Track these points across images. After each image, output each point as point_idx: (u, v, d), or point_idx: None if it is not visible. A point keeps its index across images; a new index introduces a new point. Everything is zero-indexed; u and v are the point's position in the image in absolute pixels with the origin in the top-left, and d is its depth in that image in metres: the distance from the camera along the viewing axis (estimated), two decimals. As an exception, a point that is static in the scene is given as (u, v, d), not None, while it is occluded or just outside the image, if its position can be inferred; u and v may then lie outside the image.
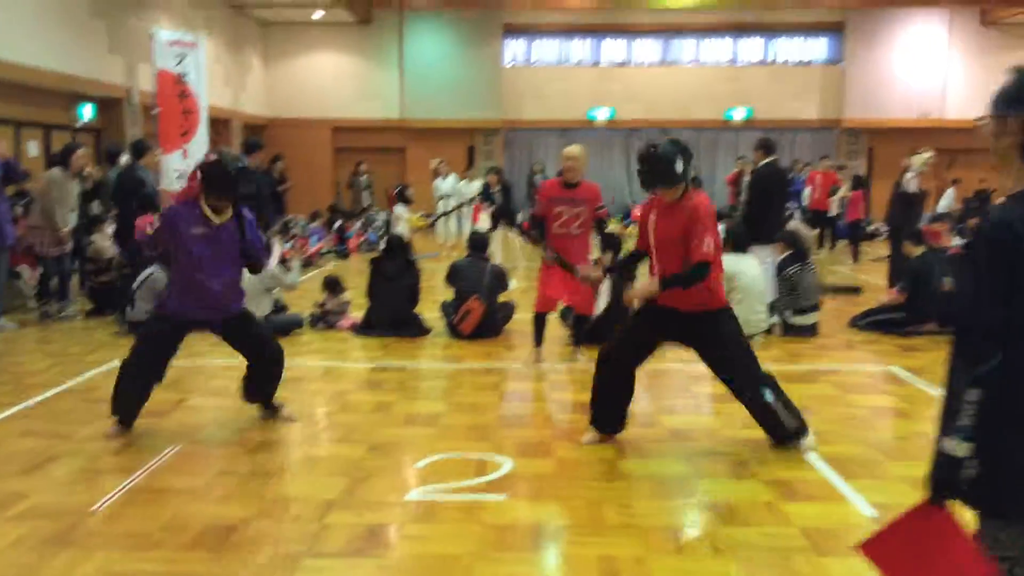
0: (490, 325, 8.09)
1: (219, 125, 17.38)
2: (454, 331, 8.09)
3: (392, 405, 5.86)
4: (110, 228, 9.78)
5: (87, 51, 13.61)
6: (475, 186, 15.60)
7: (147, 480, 4.41)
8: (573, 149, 6.92)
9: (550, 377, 6.67)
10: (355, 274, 11.49)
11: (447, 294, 8.52)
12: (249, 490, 4.33)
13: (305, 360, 7.33)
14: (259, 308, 8.12)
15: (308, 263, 13.47)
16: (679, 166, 4.65)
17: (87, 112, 14.29)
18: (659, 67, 22.46)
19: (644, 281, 4.84)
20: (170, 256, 5.12)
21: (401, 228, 13.11)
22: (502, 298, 8.44)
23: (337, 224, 16.59)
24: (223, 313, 5.18)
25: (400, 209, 13.90)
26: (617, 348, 4.93)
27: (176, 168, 12.37)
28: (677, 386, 6.44)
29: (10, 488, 4.26)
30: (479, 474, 4.47)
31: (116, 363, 6.97)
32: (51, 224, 8.91)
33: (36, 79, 12.32)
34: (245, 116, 20.10)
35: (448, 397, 6.12)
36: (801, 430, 4.86)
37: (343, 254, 15.53)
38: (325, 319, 8.61)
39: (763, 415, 4.80)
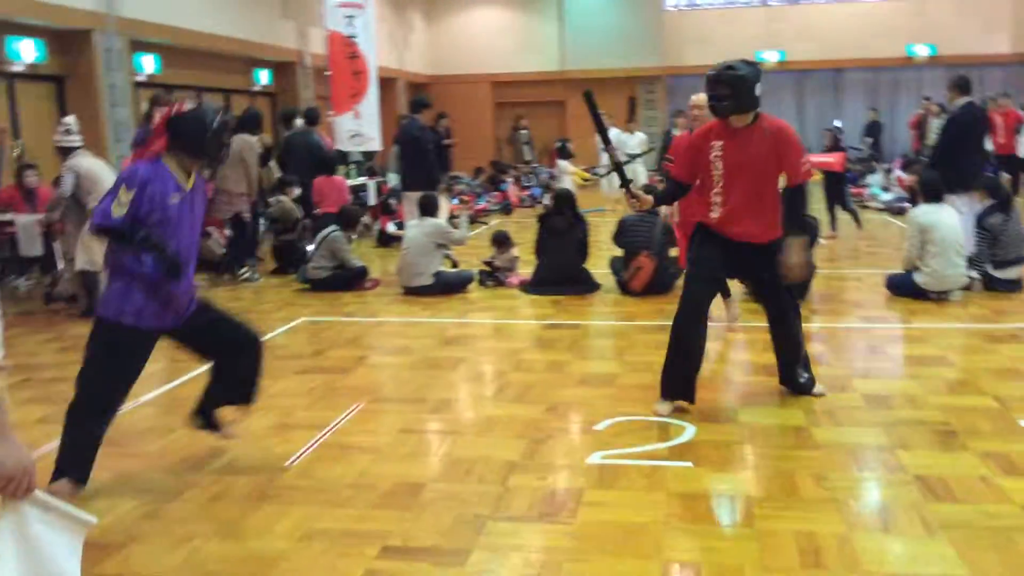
0: (661, 281, 7.88)
1: (385, 85, 17.69)
2: (624, 288, 7.94)
3: (566, 364, 5.79)
4: (296, 190, 10.15)
5: (262, 17, 14.10)
6: (638, 138, 15.23)
7: (334, 437, 4.52)
8: (700, 97, 6.58)
9: (728, 336, 6.43)
10: (519, 230, 11.47)
11: (614, 250, 8.36)
12: (432, 449, 4.37)
13: (476, 317, 7.38)
14: (431, 265, 8.24)
15: (474, 219, 13.59)
16: (759, 88, 4.43)
17: (263, 76, 14.84)
18: (833, 3, 21.19)
19: (788, 255, 4.52)
20: (130, 236, 3.70)
21: (566, 183, 12.98)
22: (673, 253, 8.19)
23: (500, 180, 16.66)
24: (187, 310, 3.96)
25: (564, 164, 13.79)
26: (690, 297, 4.64)
27: (348, 129, 12.67)
28: (868, 347, 6.07)
29: (209, 443, 4.46)
30: (662, 439, 4.34)
31: (300, 320, 7.28)
32: (248, 187, 9.24)
33: (215, 45, 12.87)
34: (409, 75, 20.41)
35: (622, 356, 6.00)
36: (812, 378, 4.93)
37: (506, 210, 15.59)
38: (494, 275, 8.64)
39: (797, 346, 4.83)
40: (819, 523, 3.40)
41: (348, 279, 8.60)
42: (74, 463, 3.79)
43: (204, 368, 4.30)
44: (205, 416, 4.21)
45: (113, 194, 3.69)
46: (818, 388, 4.92)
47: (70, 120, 7.50)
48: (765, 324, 4.95)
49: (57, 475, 3.74)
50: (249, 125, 9.45)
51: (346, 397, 5.18)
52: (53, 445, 4.42)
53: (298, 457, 4.24)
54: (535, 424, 4.61)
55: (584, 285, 8.12)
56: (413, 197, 9.25)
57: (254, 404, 4.28)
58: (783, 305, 4.77)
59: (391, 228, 11.59)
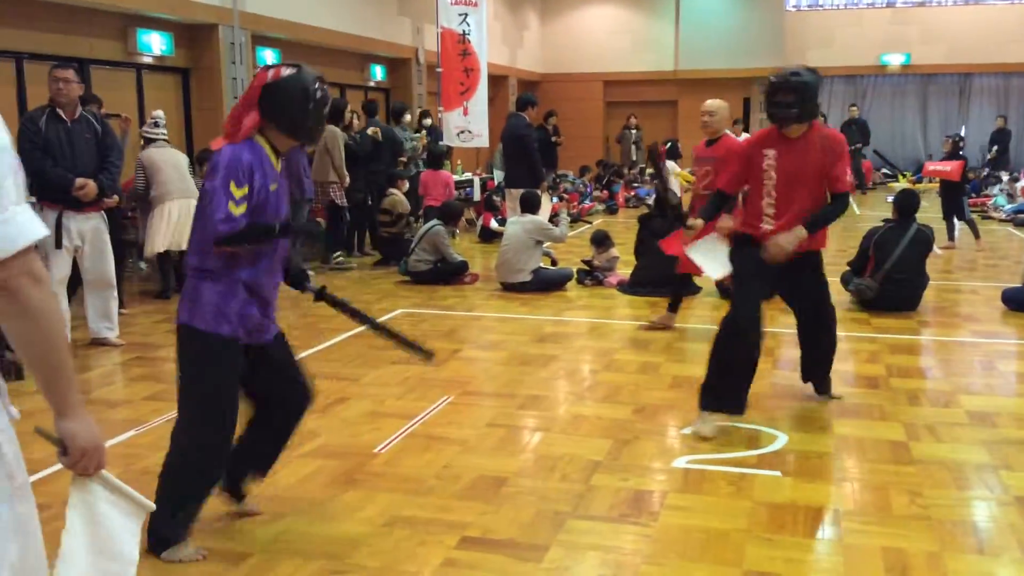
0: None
1: (496, 83, 17.83)
2: (724, 292, 7.80)
3: (659, 366, 5.74)
4: (406, 184, 10.39)
5: (378, 14, 14.41)
6: (745, 139, 14.96)
7: (423, 427, 4.60)
8: (710, 103, 6.45)
9: (829, 345, 6.24)
10: (622, 230, 11.41)
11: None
12: (518, 445, 4.40)
13: (572, 316, 7.38)
14: (530, 262, 8.28)
15: (576, 218, 13.58)
16: (819, 97, 4.30)
17: (378, 72, 15.18)
18: (963, 6, 20.29)
19: (783, 235, 4.30)
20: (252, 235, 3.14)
21: (672, 184, 12.81)
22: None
23: (606, 179, 16.59)
24: (272, 323, 3.42)
25: (671, 164, 13.63)
26: (745, 308, 4.38)
27: (456, 126, 12.83)
28: (978, 362, 5.81)
29: (304, 427, 4.57)
30: (751, 447, 4.26)
31: (399, 312, 7.43)
32: (339, 176, 9.58)
33: (333, 41, 13.24)
34: (520, 73, 20.52)
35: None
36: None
37: (611, 210, 15.51)
38: (592, 275, 8.62)
39: (829, 356, 4.76)
40: (910, 540, 3.28)
41: (448, 273, 8.72)
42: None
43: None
44: (233, 485, 3.54)
45: (224, 191, 3.04)
46: (836, 392, 4.92)
47: (159, 114, 8.00)
48: (864, 334, 4.83)
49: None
50: (334, 116, 9.73)
51: (437, 389, 5.26)
52: (160, 420, 4.66)
53: (387, 445, 4.33)
54: (622, 425, 4.59)
55: (682, 287, 8.00)
56: (516, 194, 9.31)
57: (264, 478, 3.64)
58: (822, 312, 4.67)
59: (493, 224, 11.69)
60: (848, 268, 7.72)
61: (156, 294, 8.06)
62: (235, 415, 3.27)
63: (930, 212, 11.34)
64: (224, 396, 3.24)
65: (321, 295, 3.55)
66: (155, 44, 10.55)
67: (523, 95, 10.29)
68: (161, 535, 3.15)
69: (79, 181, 5.81)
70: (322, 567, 3.13)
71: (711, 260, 4.82)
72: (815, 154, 4.31)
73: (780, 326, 6.85)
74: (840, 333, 6.48)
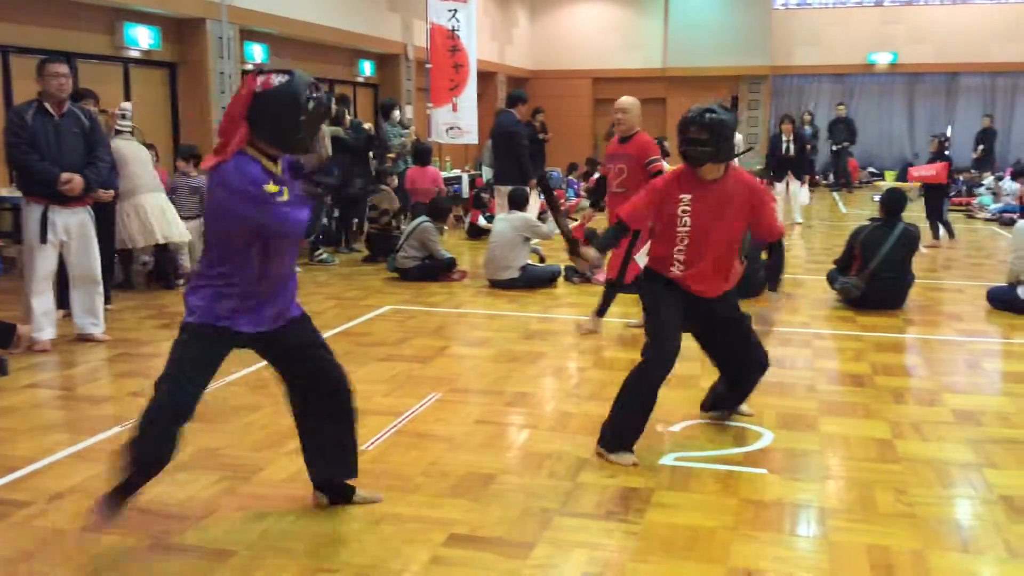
0: (750, 285, 7.72)
1: (485, 79, 17.81)
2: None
3: (647, 364, 5.73)
4: (395, 180, 10.39)
5: (368, 9, 14.38)
6: (736, 139, 14.96)
7: (410, 424, 4.59)
8: (624, 100, 6.44)
9: (814, 344, 6.27)
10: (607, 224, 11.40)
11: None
12: (505, 442, 4.40)
13: (560, 313, 7.39)
14: (517, 259, 8.28)
15: (565, 215, 13.58)
16: (736, 137, 4.06)
17: (367, 68, 15.13)
18: (950, 5, 20.40)
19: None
20: (231, 247, 3.11)
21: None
22: (764, 256, 8.02)
23: (595, 176, 16.58)
24: (289, 315, 3.40)
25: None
26: (666, 346, 4.05)
27: (445, 122, 12.81)
28: (963, 360, 5.84)
29: (291, 423, 4.57)
30: (737, 444, 4.28)
31: (387, 308, 7.42)
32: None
33: (322, 36, 13.20)
34: (509, 69, 20.50)
35: (703, 358, 5.86)
36: None
37: (599, 206, 15.50)
38: (580, 272, 8.62)
39: (747, 391, 4.54)
40: (895, 538, 3.30)
41: (436, 270, 8.72)
42: None
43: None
44: (328, 486, 3.60)
45: (267, 198, 2.98)
46: (744, 407, 4.66)
47: (127, 105, 7.94)
48: (850, 332, 4.82)
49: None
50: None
51: (425, 386, 5.26)
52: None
53: (374, 443, 4.32)
54: (610, 422, 4.58)
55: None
56: (505, 191, 9.31)
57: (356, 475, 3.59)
58: (752, 360, 4.36)
59: (481, 221, 11.68)
60: (834, 266, 7.75)
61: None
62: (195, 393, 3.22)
63: (915, 211, 11.40)
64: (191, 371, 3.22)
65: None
66: (142, 38, 10.48)
67: (513, 92, 10.29)
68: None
69: (65, 176, 5.78)
70: (308, 565, 3.13)
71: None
72: (730, 198, 4.02)
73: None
74: (825, 331, 6.56)
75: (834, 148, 19.38)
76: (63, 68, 5.91)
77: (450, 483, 3.84)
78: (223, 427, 4.55)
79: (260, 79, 3.03)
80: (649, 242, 4.51)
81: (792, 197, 13.01)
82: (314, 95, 3.05)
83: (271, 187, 2.99)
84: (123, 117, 7.81)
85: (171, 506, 3.60)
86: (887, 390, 5.14)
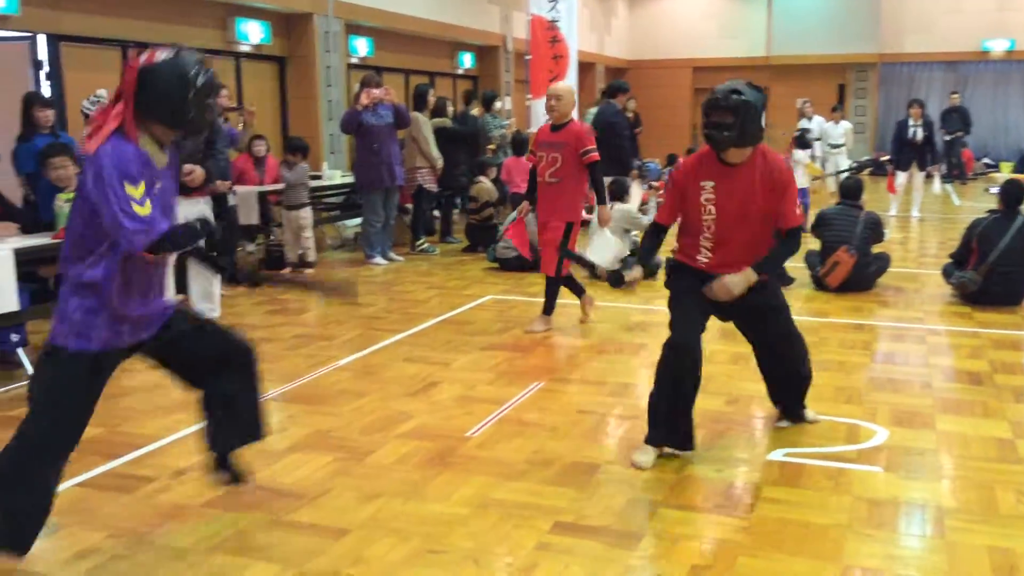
0: (860, 278, 7.53)
1: (583, 70, 17.75)
2: (819, 283, 7.64)
3: (751, 358, 5.60)
4: (494, 171, 10.47)
5: (469, 2, 14.50)
6: (843, 127, 14.53)
7: (514, 412, 4.63)
8: (558, 86, 6.20)
9: (929, 340, 6.07)
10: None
11: (812, 243, 8.05)
12: (608, 432, 4.40)
13: (661, 304, 7.30)
14: (616, 250, 8.23)
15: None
16: (764, 118, 3.76)
17: (466, 60, 15.27)
18: (1076, -13, 19.38)
19: (732, 276, 3.85)
20: (91, 239, 2.87)
21: (799, 174, 12.41)
22: (877, 249, 7.79)
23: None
24: (163, 317, 3.14)
25: (800, 154, 13.41)
26: (680, 332, 3.90)
27: (543, 113, 12.81)
28: (1089, 360, 5.57)
29: (398, 408, 4.69)
30: (849, 441, 4.17)
31: (487, 298, 7.49)
32: (429, 161, 9.67)
33: (423, 29, 13.37)
34: (608, 60, 20.39)
35: (812, 354, 5.72)
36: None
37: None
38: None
39: (801, 389, 4.31)
40: (1018, 540, 3.18)
41: (536, 261, 8.72)
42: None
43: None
44: (222, 466, 3.41)
45: (119, 195, 2.73)
46: (810, 414, 4.41)
47: (102, 92, 7.47)
48: (966, 328, 4.63)
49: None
50: (418, 103, 9.84)
51: (527, 375, 5.29)
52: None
53: (479, 429, 4.38)
54: (715, 415, 4.54)
55: (776, 278, 7.84)
56: (605, 182, 9.25)
57: (265, 436, 3.46)
58: (789, 348, 4.19)
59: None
60: (950, 260, 7.48)
61: None
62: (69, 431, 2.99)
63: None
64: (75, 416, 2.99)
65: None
66: (253, 33, 10.81)
67: (614, 82, 10.23)
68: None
69: (186, 167, 6.00)
70: (418, 546, 3.19)
71: (603, 252, 4.60)
72: (756, 183, 3.80)
73: (876, 318, 6.70)
74: (940, 327, 6.34)
75: (947, 138, 18.64)
76: None
77: (554, 471, 3.86)
78: (334, 410, 4.68)
79: (144, 55, 2.86)
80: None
81: (915, 190, 12.55)
82: (203, 70, 2.90)
83: (133, 189, 2.75)
84: (94, 103, 7.35)
85: (287, 485, 3.72)
86: (1007, 389, 4.94)
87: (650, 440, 3.96)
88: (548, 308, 6.41)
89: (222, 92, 7.98)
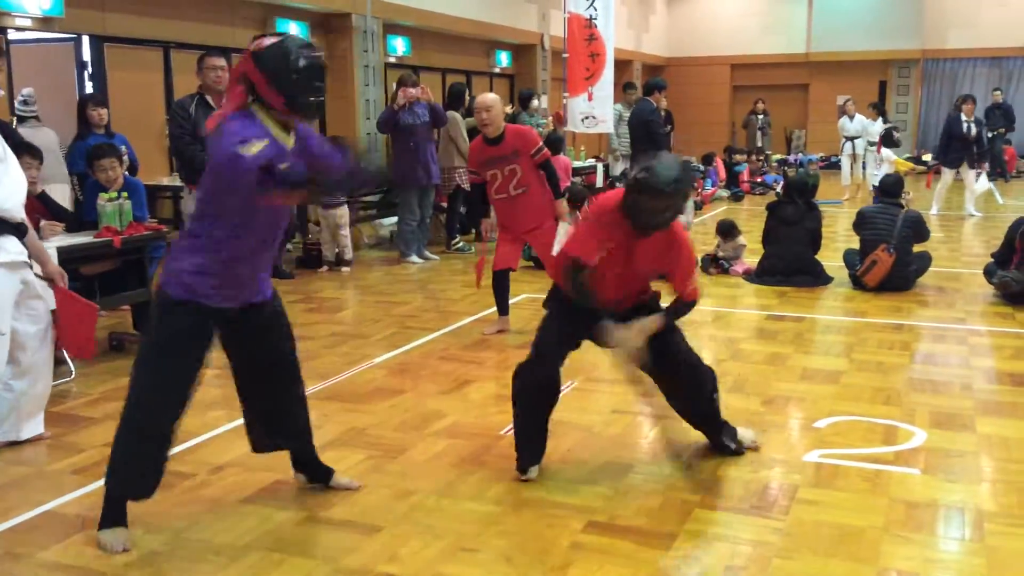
0: (900, 277, 7.43)
1: (620, 67, 17.68)
2: (857, 283, 7.56)
3: (787, 357, 5.61)
4: None
5: (505, 1, 14.50)
6: (878, 125, 14.33)
7: (549, 411, 4.63)
8: (487, 97, 5.85)
9: (970, 341, 5.97)
10: (747, 218, 11.17)
11: (849, 242, 7.97)
12: (642, 432, 4.39)
13: (697, 304, 7.27)
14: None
15: (699, 205, 13.37)
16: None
17: (503, 58, 15.29)
18: None
19: (644, 321, 3.67)
20: (215, 208, 3.05)
21: (884, 171, 12.26)
22: (918, 248, 7.69)
23: (735, 166, 16.24)
24: (259, 295, 3.30)
25: (887, 152, 13.31)
26: (545, 358, 3.79)
27: (581, 111, 12.79)
28: None
29: (433, 406, 4.72)
30: (887, 443, 4.12)
31: (522, 296, 7.49)
32: (465, 160, 9.70)
33: (460, 28, 13.41)
34: (646, 57, 20.29)
35: (850, 353, 5.72)
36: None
37: (737, 197, 15.20)
38: (718, 262, 8.48)
39: (712, 420, 3.95)
40: (1060, 547, 3.13)
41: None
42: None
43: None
44: (306, 469, 3.64)
45: (237, 144, 2.85)
46: (748, 440, 4.06)
47: (28, 91, 7.37)
48: (1008, 328, 4.53)
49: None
50: (454, 102, 9.86)
51: (561, 374, 5.27)
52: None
53: (512, 427, 4.37)
54: (750, 416, 4.51)
55: (813, 277, 7.80)
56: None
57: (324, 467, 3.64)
58: (691, 376, 3.91)
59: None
60: (992, 260, 7.36)
61: None
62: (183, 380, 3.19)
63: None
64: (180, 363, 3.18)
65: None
66: (292, 33, 10.91)
67: (651, 79, 10.19)
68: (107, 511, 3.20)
69: None
70: (452, 543, 3.21)
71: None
72: (659, 250, 3.64)
73: (916, 318, 6.61)
74: (981, 327, 6.24)
75: (990, 135, 18.33)
76: (220, 61, 6.24)
77: (588, 470, 3.86)
78: (369, 408, 4.71)
79: (254, 43, 3.02)
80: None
81: (968, 188, 12.37)
82: (306, 54, 2.98)
83: (249, 146, 2.84)
84: (25, 103, 7.30)
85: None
86: (1051, 391, 4.86)
87: (523, 467, 3.77)
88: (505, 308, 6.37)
89: None
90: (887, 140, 12.87)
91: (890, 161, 12.76)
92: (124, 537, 3.18)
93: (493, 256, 6.24)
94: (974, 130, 12.02)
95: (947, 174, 12.26)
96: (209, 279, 3.07)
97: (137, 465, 3.17)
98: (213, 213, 3.05)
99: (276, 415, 3.49)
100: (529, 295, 7.62)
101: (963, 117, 12.09)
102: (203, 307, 3.09)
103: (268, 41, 2.99)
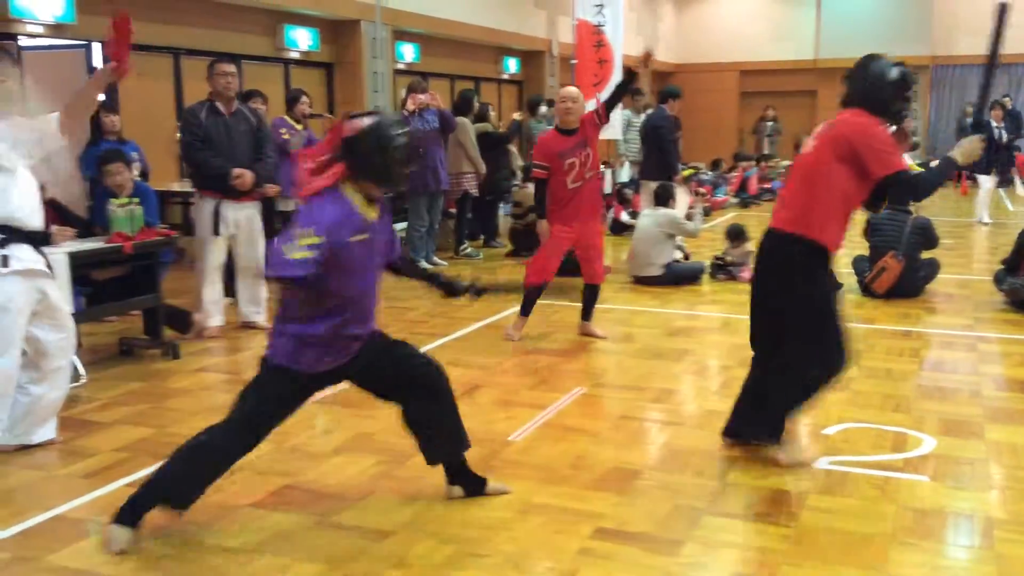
0: (909, 284, 7.42)
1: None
2: (866, 289, 7.54)
3: (797, 364, 5.59)
4: None
5: (514, 7, 14.54)
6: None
7: (557, 417, 4.64)
8: (571, 90, 6.03)
9: (979, 347, 5.96)
10: (755, 224, 11.14)
11: (858, 248, 7.96)
12: (650, 438, 4.40)
13: (704, 310, 7.28)
14: (662, 256, 8.21)
15: (708, 211, 13.36)
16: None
17: (511, 65, 15.32)
18: None
19: None
20: (311, 290, 3.15)
21: None
22: (927, 255, 7.67)
23: (737, 172, 16.20)
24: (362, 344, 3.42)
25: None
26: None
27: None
28: None
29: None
30: (896, 450, 4.12)
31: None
32: (474, 166, 9.73)
33: (469, 34, 13.44)
34: (654, 63, 20.29)
35: (859, 360, 5.70)
36: None
37: (745, 203, 15.18)
38: (726, 269, 8.47)
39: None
40: (1070, 556, 3.11)
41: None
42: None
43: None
44: (461, 480, 3.66)
45: (288, 236, 3.06)
46: (792, 456, 3.97)
47: None
48: (1018, 336, 4.52)
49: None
50: (463, 108, 9.89)
51: (569, 380, 5.30)
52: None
53: (521, 433, 4.39)
54: (759, 422, 4.50)
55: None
56: (651, 186, 9.25)
57: (468, 447, 3.63)
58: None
59: (624, 217, 11.63)
60: (1001, 266, 7.34)
61: None
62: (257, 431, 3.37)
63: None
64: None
65: (477, 291, 3.75)
66: (302, 40, 10.96)
67: (667, 87, 10.18)
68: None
69: (236, 171, 6.11)
70: (460, 549, 3.21)
71: None
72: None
73: (925, 325, 6.59)
74: (990, 334, 6.22)
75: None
76: (230, 68, 6.27)
77: (596, 477, 3.86)
78: (377, 413, 4.70)
79: (349, 124, 3.20)
80: None
81: (985, 192, 12.34)
82: (400, 132, 3.21)
83: (306, 236, 3.05)
84: None
85: (331, 486, 3.77)
86: (1061, 399, 4.84)
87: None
88: (588, 313, 6.37)
89: (303, 100, 8.18)
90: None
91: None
92: (129, 539, 3.21)
93: (534, 259, 6.24)
94: (1006, 136, 12.04)
95: (986, 180, 12.22)
96: (315, 350, 3.26)
97: (191, 484, 3.31)
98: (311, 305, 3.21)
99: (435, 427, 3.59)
100: (537, 301, 7.62)
101: (993, 123, 12.11)
102: (307, 374, 3.30)
103: (364, 122, 3.17)
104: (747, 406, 4.09)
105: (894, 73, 3.79)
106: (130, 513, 3.24)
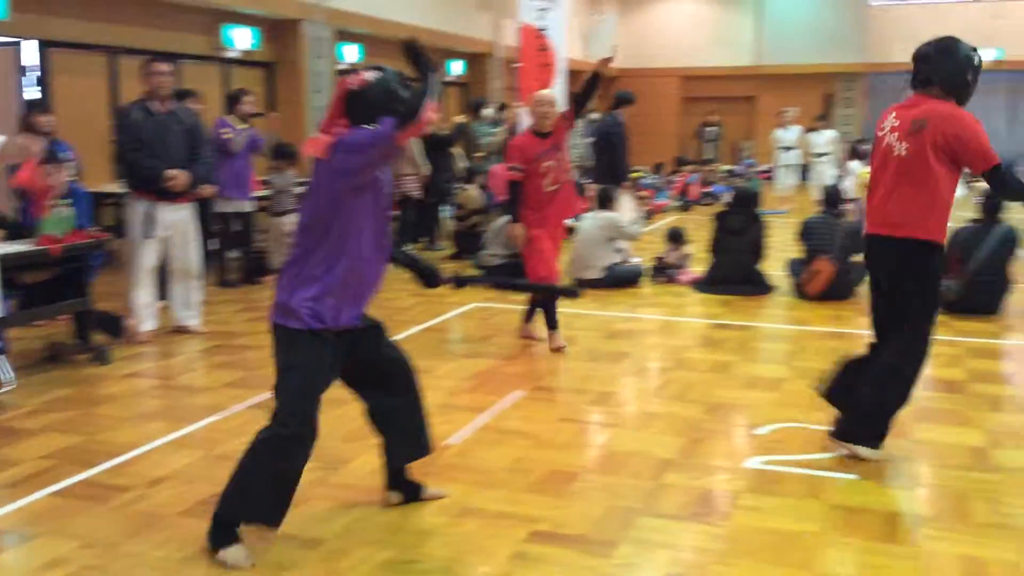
0: (841, 287, 7.57)
1: (574, 78, 17.78)
2: (800, 291, 7.68)
3: (731, 365, 5.68)
4: (481, 179, 10.52)
5: (459, 9, 14.54)
6: (826, 136, 14.51)
7: (495, 421, 4.64)
8: (547, 94, 6.17)
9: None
10: (694, 228, 11.28)
11: (793, 251, 8.10)
12: (588, 441, 4.42)
13: (644, 313, 7.35)
14: (602, 258, 8.26)
15: (649, 215, 13.48)
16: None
17: (456, 67, 15.31)
18: (1061, -2, 19.53)
19: None
20: (322, 228, 3.12)
21: (847, 184, 12.38)
22: (858, 258, 7.83)
23: (680, 176, 16.40)
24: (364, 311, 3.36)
25: (853, 164, 13.49)
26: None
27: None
28: (1067, 370, 5.61)
29: (378, 416, 4.68)
30: (826, 449, 4.19)
31: (472, 306, 7.49)
32: (415, 167, 9.72)
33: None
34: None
35: (791, 361, 5.82)
36: None
37: (685, 207, 15.36)
38: (665, 272, 8.56)
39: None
40: (989, 549, 3.20)
41: (520, 268, 8.73)
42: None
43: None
44: (400, 486, 3.63)
45: (359, 130, 3.12)
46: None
47: None
48: (944, 336, 4.60)
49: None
50: None
51: (509, 383, 5.30)
52: (240, 407, 4.79)
53: (458, 437, 4.38)
54: (694, 423, 4.56)
55: (757, 286, 7.91)
56: (593, 190, 9.30)
57: (432, 451, 3.62)
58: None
59: (568, 220, 11.67)
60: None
61: None
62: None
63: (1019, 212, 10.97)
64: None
65: (460, 281, 3.83)
66: (241, 39, 10.82)
67: (620, 92, 10.16)
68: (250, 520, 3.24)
69: (170, 172, 6.00)
70: (393, 556, 3.19)
71: None
72: None
73: (855, 326, 6.72)
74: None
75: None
76: (165, 67, 6.15)
77: (533, 480, 3.86)
78: (313, 418, 4.67)
79: (352, 78, 3.19)
80: None
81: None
82: (406, 85, 3.22)
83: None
84: None
85: (264, 493, 3.71)
86: (983, 398, 4.98)
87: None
88: (553, 321, 6.15)
89: (244, 99, 8.05)
90: (854, 153, 13.15)
91: (854, 174, 12.97)
92: (243, 551, 3.15)
93: (531, 273, 6.09)
94: None
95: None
96: (333, 300, 3.13)
97: (272, 496, 3.19)
98: (322, 228, 3.10)
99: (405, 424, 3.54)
100: (478, 304, 7.63)
101: None
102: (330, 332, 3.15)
103: (369, 75, 3.20)
104: (853, 402, 4.12)
105: (977, 58, 3.87)
106: (225, 534, 3.17)
